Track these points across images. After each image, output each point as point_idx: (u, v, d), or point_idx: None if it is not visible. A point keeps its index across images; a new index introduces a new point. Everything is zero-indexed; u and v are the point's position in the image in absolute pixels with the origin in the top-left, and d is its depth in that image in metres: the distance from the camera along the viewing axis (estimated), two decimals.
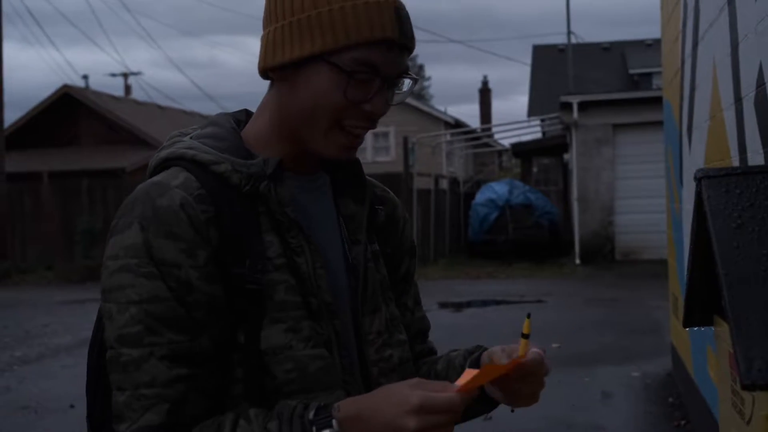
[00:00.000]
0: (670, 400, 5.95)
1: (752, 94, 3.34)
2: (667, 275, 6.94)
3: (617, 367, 7.01)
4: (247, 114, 1.35)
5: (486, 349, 1.32)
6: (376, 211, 1.35)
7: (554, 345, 7.94)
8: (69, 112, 23.08)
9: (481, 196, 18.98)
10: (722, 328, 1.26)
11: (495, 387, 1.18)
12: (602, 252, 16.42)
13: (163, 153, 1.25)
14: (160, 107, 27.37)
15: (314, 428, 1.07)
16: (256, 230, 1.19)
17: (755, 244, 1.13)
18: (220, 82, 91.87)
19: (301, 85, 1.19)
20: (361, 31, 1.15)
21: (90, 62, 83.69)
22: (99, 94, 24.84)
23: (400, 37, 1.18)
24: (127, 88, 35.32)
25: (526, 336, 1.15)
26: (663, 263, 8.84)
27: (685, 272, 1.48)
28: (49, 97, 23.23)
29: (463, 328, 8.74)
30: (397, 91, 1.25)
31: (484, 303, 11.75)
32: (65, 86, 23.53)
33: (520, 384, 1.17)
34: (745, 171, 1.25)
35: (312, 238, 1.23)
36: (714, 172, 1.26)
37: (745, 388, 1.01)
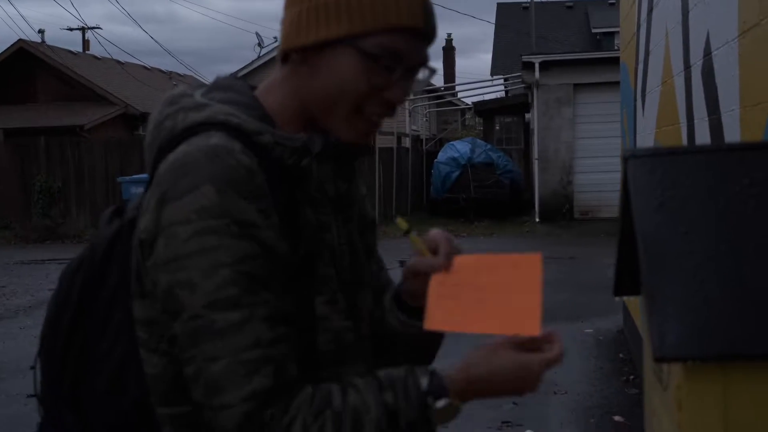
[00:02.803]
0: (621, 355, 6.13)
1: (699, 63, 3.41)
2: None
3: (571, 324, 7.16)
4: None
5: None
6: (359, 185, 1.35)
7: None
8: (25, 68, 22.54)
9: (443, 155, 19.05)
10: None
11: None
12: (561, 210, 16.63)
13: (197, 116, 1.16)
14: (119, 63, 26.85)
15: (430, 398, 1.08)
16: (297, 203, 1.17)
17: (674, 223, 1.19)
18: (180, 37, 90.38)
19: (323, 68, 1.16)
20: (389, 16, 1.13)
21: (46, 16, 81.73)
22: (56, 50, 24.28)
23: (425, 26, 1.16)
24: (86, 44, 34.55)
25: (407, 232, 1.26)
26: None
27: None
28: (4, 53, 22.63)
29: None
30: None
31: None
32: (20, 41, 22.94)
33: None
34: (671, 152, 1.31)
35: (339, 215, 1.23)
36: (641, 152, 1.32)
37: (657, 360, 1.08)
